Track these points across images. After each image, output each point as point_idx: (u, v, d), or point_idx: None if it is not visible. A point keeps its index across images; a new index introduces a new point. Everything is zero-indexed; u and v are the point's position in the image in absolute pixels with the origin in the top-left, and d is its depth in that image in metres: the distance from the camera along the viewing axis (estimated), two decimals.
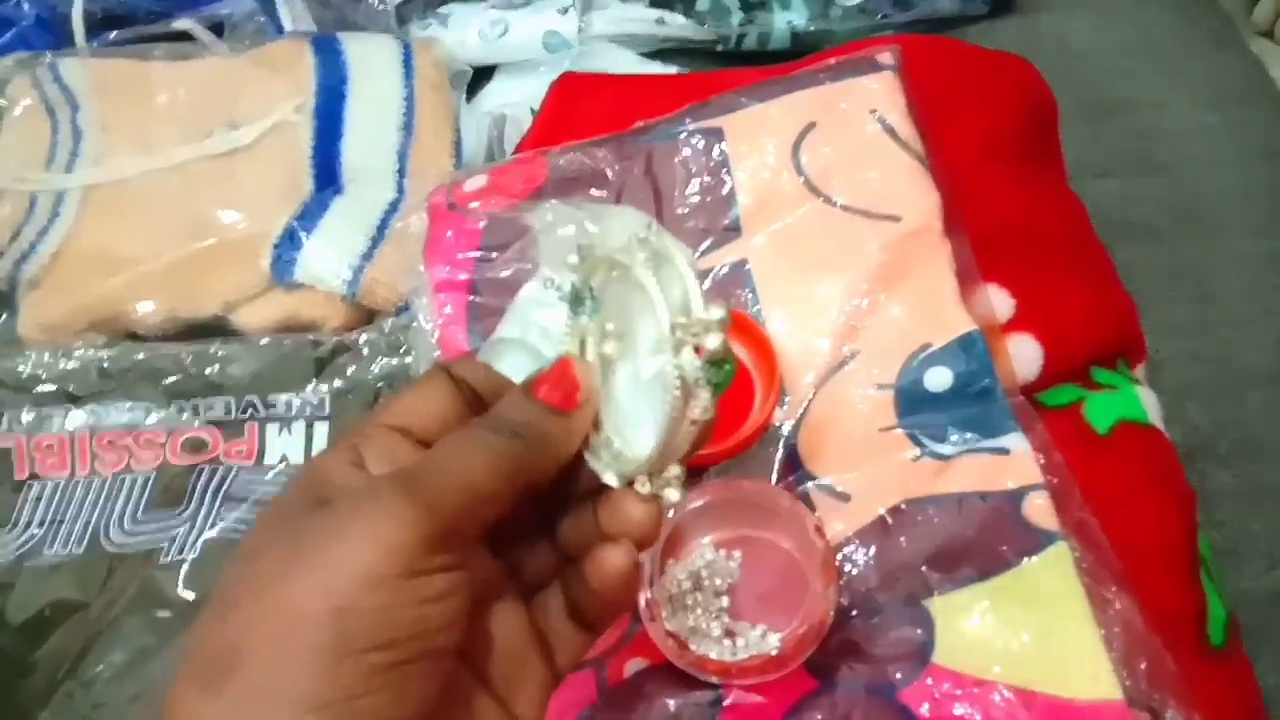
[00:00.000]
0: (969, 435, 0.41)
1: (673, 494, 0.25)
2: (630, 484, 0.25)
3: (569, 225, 0.28)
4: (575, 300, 0.26)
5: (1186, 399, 0.54)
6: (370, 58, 0.58)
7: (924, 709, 0.36)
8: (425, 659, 0.22)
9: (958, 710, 0.35)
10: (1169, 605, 0.40)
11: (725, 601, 0.39)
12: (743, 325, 0.43)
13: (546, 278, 0.28)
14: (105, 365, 0.50)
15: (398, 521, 0.21)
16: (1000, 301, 0.45)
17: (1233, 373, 0.55)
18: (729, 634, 0.38)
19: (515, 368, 0.27)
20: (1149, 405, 0.46)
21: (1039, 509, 0.39)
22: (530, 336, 0.28)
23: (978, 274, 0.45)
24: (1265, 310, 0.56)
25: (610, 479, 0.25)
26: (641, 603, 0.37)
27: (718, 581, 0.39)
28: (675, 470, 0.25)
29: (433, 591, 0.22)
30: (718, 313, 0.23)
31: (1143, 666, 0.36)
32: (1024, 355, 0.44)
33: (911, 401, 0.42)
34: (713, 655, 0.37)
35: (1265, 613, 0.48)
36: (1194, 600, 0.41)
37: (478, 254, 0.44)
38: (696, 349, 0.23)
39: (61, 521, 0.47)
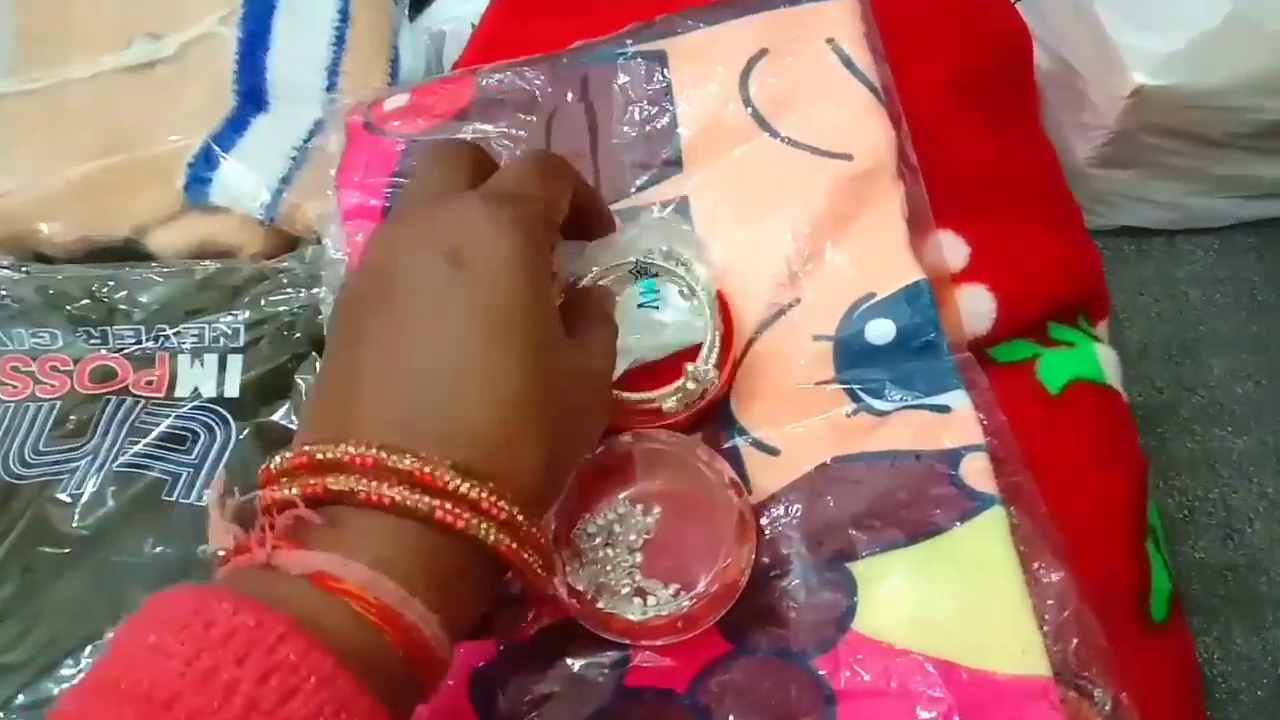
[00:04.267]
0: (909, 391, 0.38)
1: None
2: None
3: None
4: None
5: (1150, 359, 0.52)
6: None
7: (839, 678, 0.34)
8: None
9: (874, 681, 0.33)
10: (1110, 578, 0.38)
11: (639, 558, 0.36)
12: None
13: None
14: (5, 290, 0.47)
15: None
16: (954, 249, 0.42)
17: (1198, 335, 0.53)
18: (640, 592, 0.36)
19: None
20: (1107, 364, 0.43)
21: (977, 470, 0.36)
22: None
23: (931, 220, 0.42)
24: (1234, 272, 0.54)
25: None
26: None
27: (631, 537, 0.36)
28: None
29: None
30: None
31: (1075, 643, 0.34)
32: (975, 308, 0.42)
33: (851, 354, 0.39)
34: (621, 613, 0.35)
35: (1216, 585, 0.47)
36: (1137, 573, 0.39)
37: (393, 178, 0.41)
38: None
39: None
